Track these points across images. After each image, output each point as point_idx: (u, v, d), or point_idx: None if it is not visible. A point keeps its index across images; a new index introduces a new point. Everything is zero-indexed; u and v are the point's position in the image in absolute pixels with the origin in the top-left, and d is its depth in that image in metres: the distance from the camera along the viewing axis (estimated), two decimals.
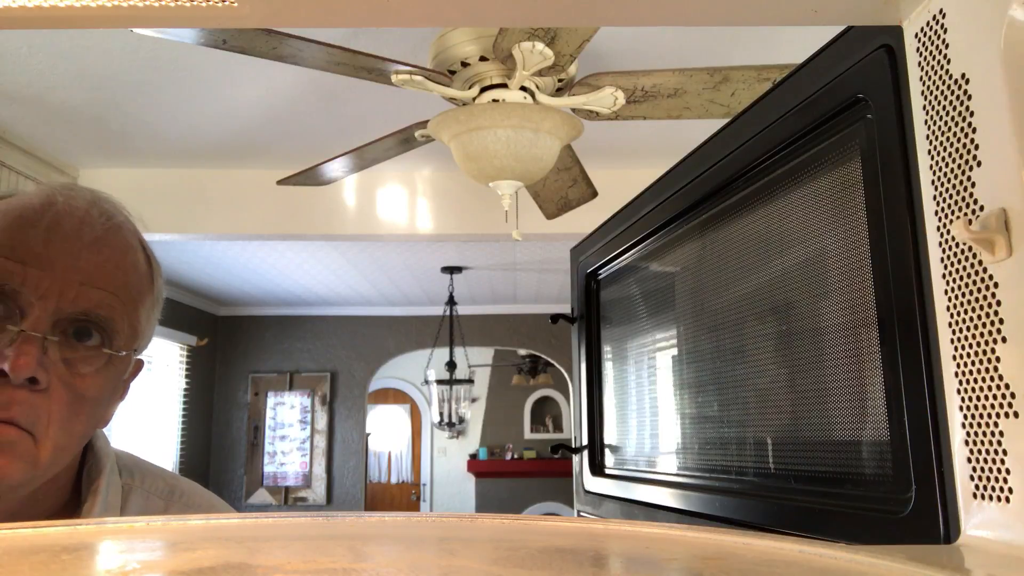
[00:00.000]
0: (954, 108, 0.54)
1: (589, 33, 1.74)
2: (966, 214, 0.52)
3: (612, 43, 2.41)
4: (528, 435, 9.12)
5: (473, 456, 9.08)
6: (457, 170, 3.04)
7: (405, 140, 2.27)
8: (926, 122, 0.57)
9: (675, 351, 1.13)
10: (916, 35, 0.59)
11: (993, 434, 0.50)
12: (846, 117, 0.71)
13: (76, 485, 0.78)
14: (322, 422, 6.86)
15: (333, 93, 2.73)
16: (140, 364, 0.78)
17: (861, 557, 0.40)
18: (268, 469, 6.82)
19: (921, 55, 0.58)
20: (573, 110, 2.08)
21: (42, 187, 0.74)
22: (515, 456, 8.95)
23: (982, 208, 0.51)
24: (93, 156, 3.31)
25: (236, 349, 6.91)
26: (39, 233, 0.69)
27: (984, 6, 0.51)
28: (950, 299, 0.54)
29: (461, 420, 6.51)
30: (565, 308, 1.58)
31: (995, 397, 0.50)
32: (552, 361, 7.35)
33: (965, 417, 0.52)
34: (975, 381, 0.52)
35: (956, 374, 0.54)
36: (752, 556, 0.41)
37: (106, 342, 0.71)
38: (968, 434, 0.52)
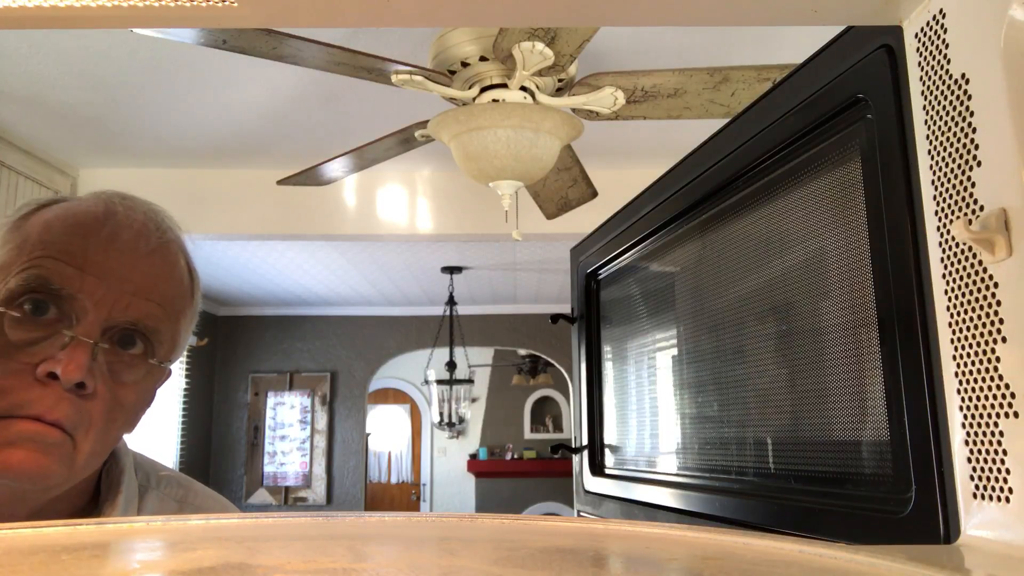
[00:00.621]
0: (954, 108, 0.54)
1: (589, 33, 1.74)
2: (966, 214, 0.52)
3: (612, 43, 2.41)
4: (528, 435, 9.12)
5: (473, 456, 9.08)
6: (457, 170, 3.04)
7: (405, 140, 2.27)
8: (926, 122, 0.57)
9: (675, 351, 1.13)
10: (916, 35, 0.59)
11: (993, 434, 0.50)
12: (846, 117, 0.71)
13: (95, 485, 0.79)
14: (322, 422, 6.86)
15: (333, 93, 2.73)
16: (168, 373, 0.80)
17: (861, 557, 0.40)
18: (268, 469, 6.81)
19: (921, 55, 0.58)
20: (573, 110, 2.08)
21: (99, 194, 0.76)
22: (515, 456, 8.95)
23: (982, 208, 0.51)
24: (93, 156, 3.31)
25: (236, 349, 6.91)
26: (99, 242, 0.70)
27: (984, 6, 0.51)
28: (950, 299, 0.54)
29: (461, 420, 6.52)
30: (565, 308, 1.58)
31: (995, 397, 0.50)
32: (552, 361, 7.35)
33: (965, 417, 0.52)
34: (975, 381, 0.52)
35: (956, 374, 0.54)
36: (752, 556, 0.41)
37: (149, 352, 0.72)
38: (968, 434, 0.52)
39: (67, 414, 0.66)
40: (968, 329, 0.52)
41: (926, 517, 0.57)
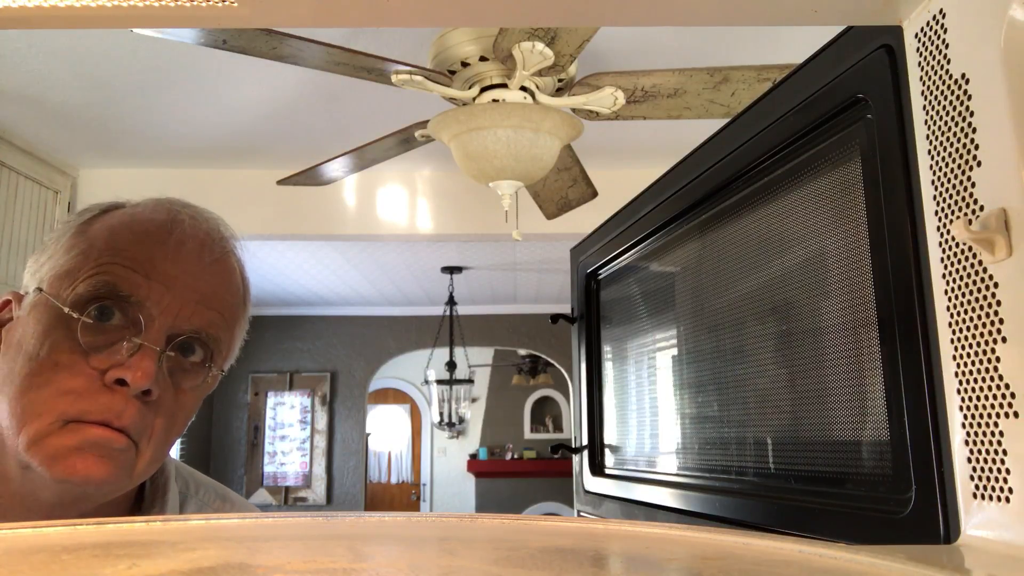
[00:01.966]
0: (954, 108, 0.54)
1: (589, 33, 1.74)
2: (966, 214, 0.52)
3: (612, 43, 2.41)
4: (528, 435, 9.11)
5: (473, 456, 9.07)
6: (457, 170, 3.04)
7: (405, 140, 2.27)
8: (926, 122, 0.57)
9: (675, 351, 1.13)
10: (916, 35, 0.59)
11: (993, 434, 0.50)
12: (846, 117, 0.71)
13: (138, 491, 0.80)
14: (322, 422, 6.86)
15: (333, 93, 2.73)
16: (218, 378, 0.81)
17: (861, 557, 0.40)
18: (268, 469, 6.82)
19: (921, 55, 0.58)
20: (573, 110, 2.08)
21: (160, 201, 0.77)
22: (515, 456, 8.95)
23: (982, 208, 0.51)
24: (93, 156, 3.31)
25: None
26: (166, 250, 0.71)
27: (984, 6, 0.51)
28: (950, 299, 0.54)
29: (461, 420, 6.52)
30: (565, 308, 1.58)
31: (995, 397, 0.50)
32: (552, 361, 7.35)
33: (965, 417, 0.52)
34: (975, 381, 0.52)
35: (956, 374, 0.54)
36: (752, 556, 0.41)
37: (208, 360, 0.73)
38: (968, 434, 0.52)
39: (133, 420, 0.67)
40: (968, 329, 0.52)
41: (926, 517, 0.57)
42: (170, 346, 0.69)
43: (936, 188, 0.56)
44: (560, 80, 2.03)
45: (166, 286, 0.69)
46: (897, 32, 0.61)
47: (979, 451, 0.51)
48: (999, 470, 0.49)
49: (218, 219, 0.79)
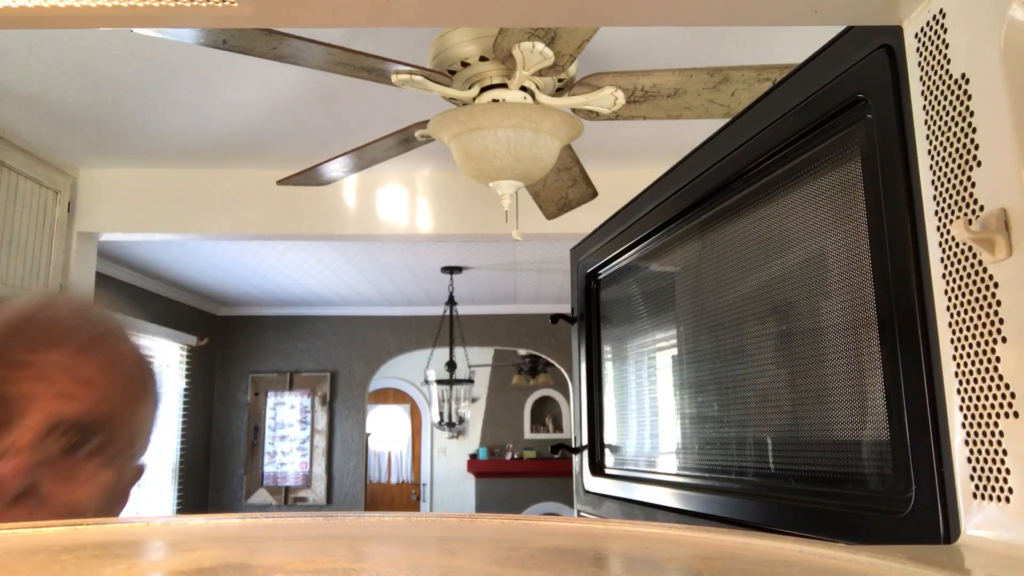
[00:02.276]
0: (954, 108, 0.54)
1: (589, 33, 1.74)
2: (966, 214, 0.52)
3: (612, 43, 2.41)
4: (528, 435, 9.11)
5: (473, 456, 9.07)
6: (457, 170, 3.04)
7: (405, 140, 2.27)
8: (926, 122, 0.57)
9: (675, 351, 1.13)
10: (916, 35, 0.59)
11: (993, 434, 0.50)
12: (846, 117, 0.71)
13: None
14: (322, 422, 6.86)
15: (333, 93, 2.73)
16: (141, 469, 0.77)
17: (861, 557, 0.40)
18: (268, 469, 6.81)
19: (921, 55, 0.58)
20: (573, 110, 2.08)
21: (35, 294, 0.76)
22: (515, 456, 8.95)
23: (982, 208, 0.51)
24: (93, 156, 3.31)
25: (236, 349, 6.90)
26: (32, 339, 0.68)
27: (984, 6, 0.51)
28: (950, 299, 0.54)
29: (461, 420, 6.52)
30: (565, 308, 1.58)
31: (995, 397, 0.50)
32: (552, 361, 7.35)
33: (965, 417, 0.52)
34: (975, 381, 0.52)
35: (956, 374, 0.54)
36: (752, 556, 0.41)
37: (102, 448, 0.69)
38: (968, 434, 0.52)
39: (21, 520, 0.62)
40: (968, 329, 0.52)
41: (926, 517, 0.57)
42: (52, 437, 0.65)
43: (936, 188, 0.56)
44: (560, 80, 2.03)
45: (37, 376, 0.66)
46: (897, 32, 0.61)
47: (979, 451, 0.51)
48: (999, 470, 0.49)
49: (95, 303, 0.76)
